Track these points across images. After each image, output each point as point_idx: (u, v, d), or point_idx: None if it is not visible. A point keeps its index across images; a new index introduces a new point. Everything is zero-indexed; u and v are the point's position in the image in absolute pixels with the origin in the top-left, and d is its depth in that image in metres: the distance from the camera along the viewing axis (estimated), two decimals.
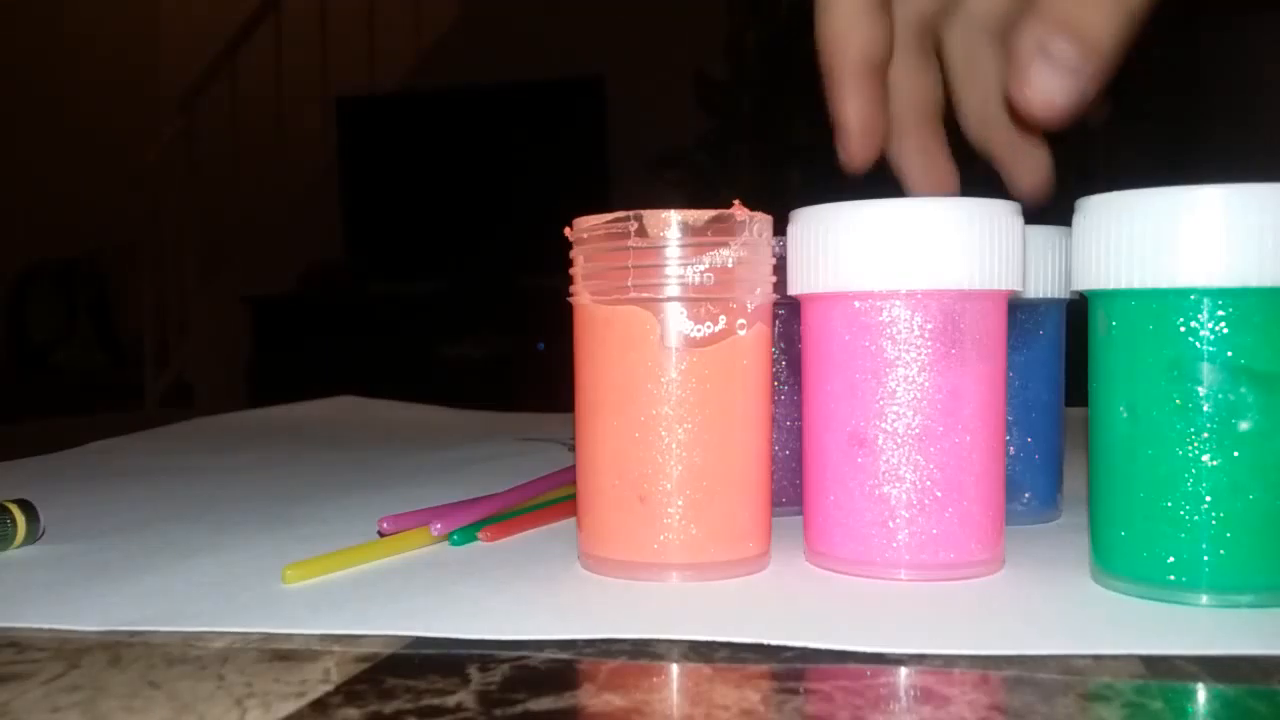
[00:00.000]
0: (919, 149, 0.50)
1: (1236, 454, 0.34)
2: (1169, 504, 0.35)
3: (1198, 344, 0.34)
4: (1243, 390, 0.34)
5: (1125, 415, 0.36)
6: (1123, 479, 0.36)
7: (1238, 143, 1.89)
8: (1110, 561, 0.36)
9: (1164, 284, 0.34)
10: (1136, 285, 0.35)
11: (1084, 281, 0.37)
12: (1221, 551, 0.34)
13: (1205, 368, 0.34)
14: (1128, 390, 0.36)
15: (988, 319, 0.39)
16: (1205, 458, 0.34)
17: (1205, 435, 0.34)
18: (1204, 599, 0.34)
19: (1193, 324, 0.34)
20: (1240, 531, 0.34)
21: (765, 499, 0.40)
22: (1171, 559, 0.35)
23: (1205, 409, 0.34)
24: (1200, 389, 0.34)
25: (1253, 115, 1.80)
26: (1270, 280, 0.33)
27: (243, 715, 0.26)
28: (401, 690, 0.28)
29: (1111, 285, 0.35)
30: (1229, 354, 0.34)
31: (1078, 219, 0.37)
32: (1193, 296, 0.34)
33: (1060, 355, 0.49)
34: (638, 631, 0.32)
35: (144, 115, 3.74)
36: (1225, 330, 0.34)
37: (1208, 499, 0.34)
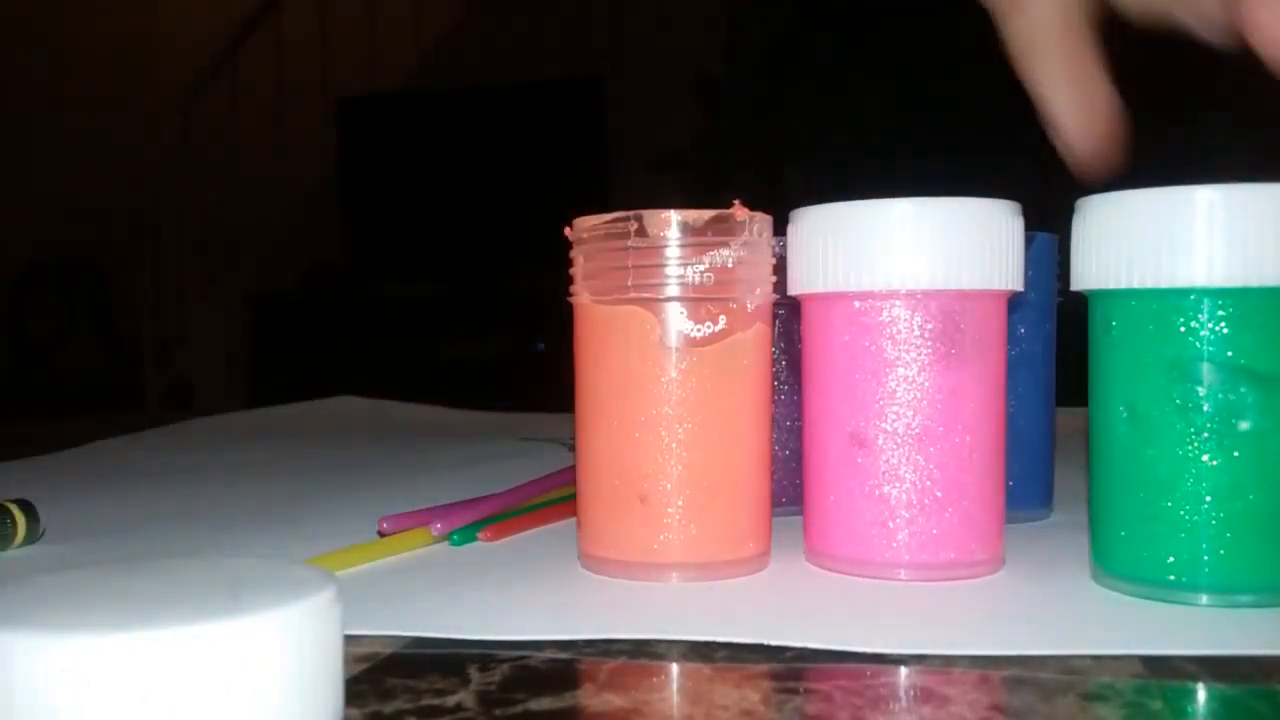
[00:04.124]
0: (1065, 73, 0.41)
1: (1236, 454, 0.34)
2: (1169, 504, 0.35)
3: (1197, 344, 0.34)
4: (1243, 390, 0.34)
5: (1125, 415, 0.36)
6: (1122, 479, 0.36)
7: (1238, 143, 1.89)
8: (1110, 562, 0.36)
9: (1164, 284, 0.34)
10: (1136, 285, 0.35)
11: (1084, 281, 0.37)
12: (1221, 551, 0.34)
13: (1205, 368, 0.34)
14: (1128, 390, 0.36)
15: (988, 319, 0.39)
16: (1205, 457, 0.34)
17: (1205, 435, 0.34)
18: (1204, 599, 0.34)
19: (1192, 324, 0.34)
20: (1240, 531, 0.34)
21: (765, 499, 0.40)
22: (1171, 559, 0.35)
23: (1205, 409, 0.34)
24: (1200, 389, 0.34)
25: (1252, 115, 1.80)
26: (1271, 280, 0.33)
27: None
28: (401, 690, 0.28)
29: (1111, 285, 0.36)
30: (1229, 354, 0.34)
31: (1078, 219, 0.37)
32: (1193, 296, 0.34)
33: (1050, 350, 0.49)
34: (638, 631, 0.32)
35: (144, 115, 3.74)
36: (1225, 330, 0.34)
37: (1208, 499, 0.34)
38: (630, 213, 0.38)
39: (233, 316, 3.40)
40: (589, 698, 0.27)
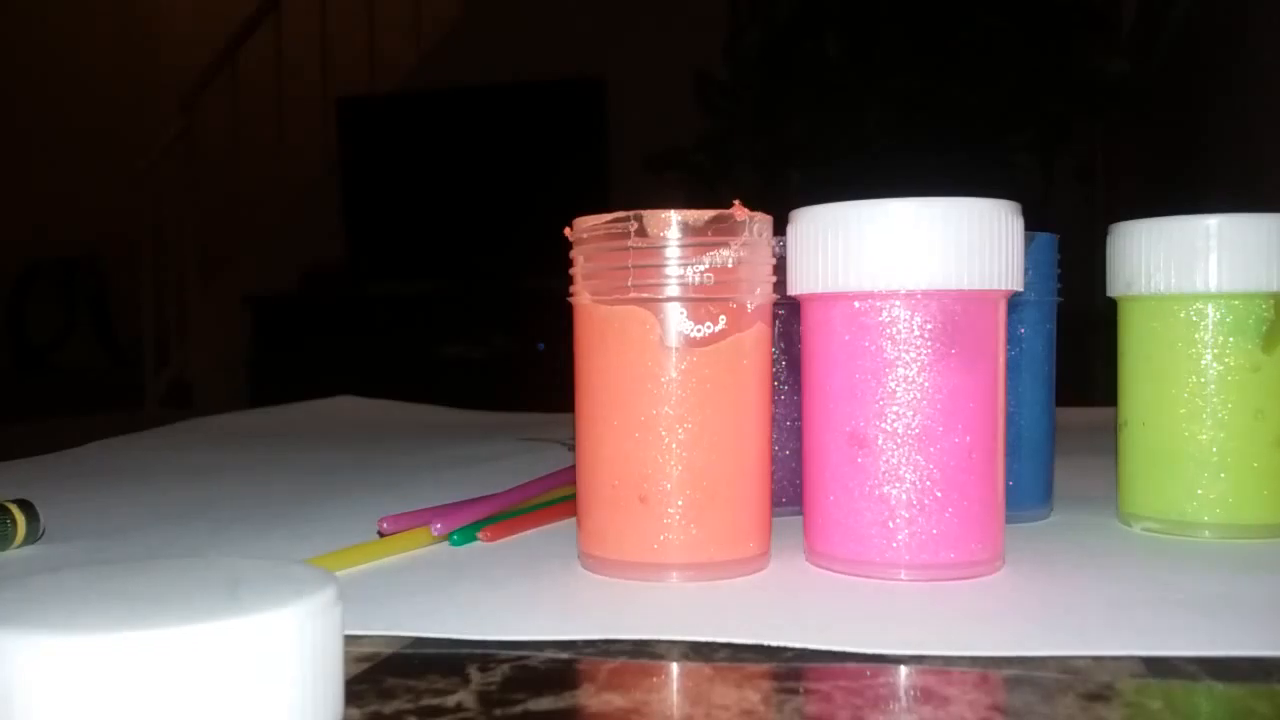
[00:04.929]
0: None
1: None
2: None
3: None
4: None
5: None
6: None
7: (1237, 142, 1.89)
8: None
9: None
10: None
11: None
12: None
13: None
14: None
15: (988, 319, 0.39)
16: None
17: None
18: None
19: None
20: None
21: (765, 499, 0.40)
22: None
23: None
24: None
25: (1251, 113, 1.80)
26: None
27: None
28: (401, 690, 0.28)
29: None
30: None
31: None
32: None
33: (1050, 350, 0.49)
34: (638, 631, 0.32)
35: (144, 115, 3.74)
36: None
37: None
38: (630, 213, 0.38)
39: (232, 316, 3.39)
40: (589, 698, 0.27)
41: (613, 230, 0.39)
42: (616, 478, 0.39)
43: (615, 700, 0.27)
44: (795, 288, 0.41)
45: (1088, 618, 0.33)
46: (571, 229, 0.41)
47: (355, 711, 0.26)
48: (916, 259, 0.37)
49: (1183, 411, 0.45)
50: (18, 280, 3.86)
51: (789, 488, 0.49)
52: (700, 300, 0.38)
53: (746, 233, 0.39)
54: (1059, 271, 0.49)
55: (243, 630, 0.21)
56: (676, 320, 0.38)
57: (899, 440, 0.38)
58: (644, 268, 0.38)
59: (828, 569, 0.40)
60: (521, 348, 2.92)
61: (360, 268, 3.39)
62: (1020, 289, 0.39)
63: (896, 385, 0.38)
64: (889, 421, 0.38)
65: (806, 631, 0.32)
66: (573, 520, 0.44)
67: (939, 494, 0.38)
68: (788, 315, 0.48)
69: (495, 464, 0.68)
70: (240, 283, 3.43)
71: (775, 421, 0.47)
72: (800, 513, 0.43)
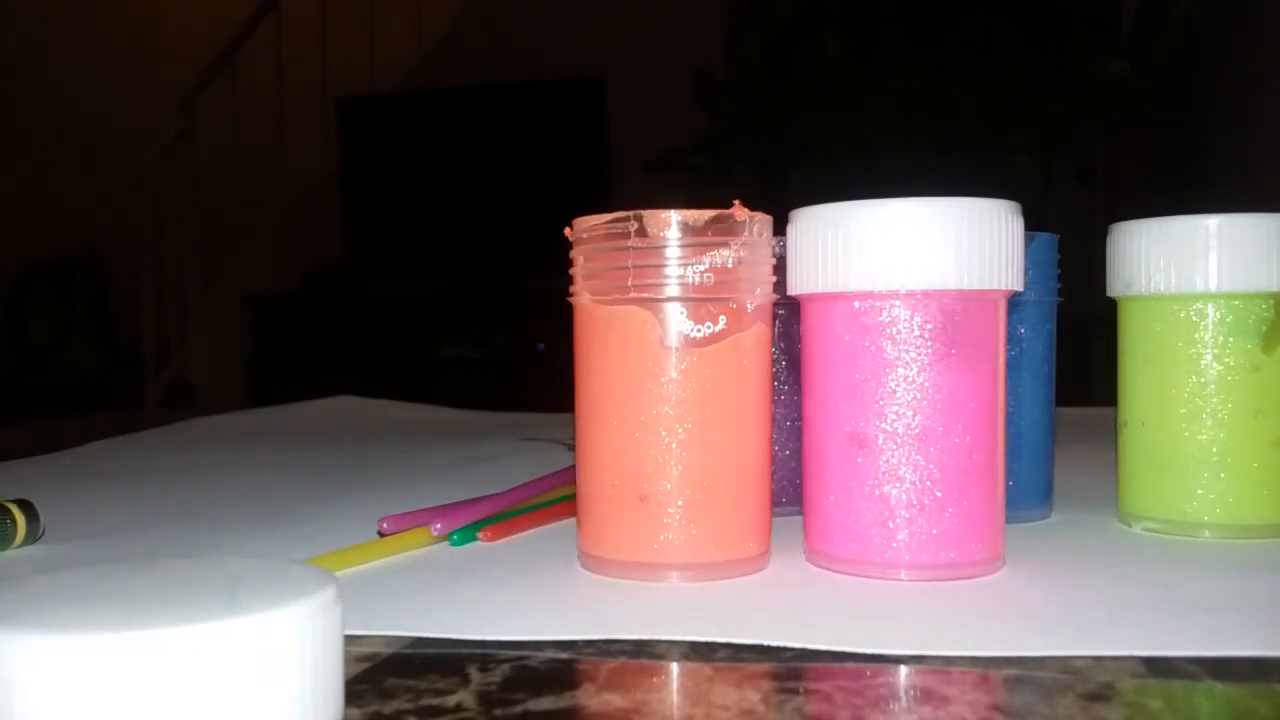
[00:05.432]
0: None
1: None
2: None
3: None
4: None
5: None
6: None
7: (1237, 142, 1.89)
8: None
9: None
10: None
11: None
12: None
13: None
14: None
15: (988, 319, 0.39)
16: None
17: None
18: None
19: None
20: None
21: (765, 499, 0.40)
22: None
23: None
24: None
25: (1251, 113, 1.80)
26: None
27: None
28: (401, 690, 0.28)
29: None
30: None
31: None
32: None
33: (1050, 350, 0.49)
34: (638, 631, 0.32)
35: (144, 115, 3.74)
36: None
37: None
38: (630, 213, 0.38)
39: (232, 316, 3.39)
40: (589, 698, 0.27)
41: (613, 230, 0.39)
42: (616, 477, 0.39)
43: (615, 700, 0.27)
44: (795, 288, 0.41)
45: (1088, 618, 0.33)
46: (571, 229, 0.41)
47: (355, 711, 0.26)
48: (916, 259, 0.37)
49: (1183, 411, 0.45)
50: (18, 280, 3.85)
51: (789, 488, 0.49)
52: (700, 300, 0.38)
53: (746, 233, 0.39)
54: (1059, 271, 0.49)
55: (243, 630, 0.21)
56: (676, 320, 0.38)
57: (899, 440, 0.38)
58: (644, 268, 0.38)
59: (828, 569, 0.40)
60: (521, 348, 2.92)
61: (360, 268, 3.39)
62: (1020, 289, 0.39)
63: (896, 385, 0.38)
64: (889, 421, 0.38)
65: (806, 631, 0.32)
66: (573, 520, 0.44)
67: (939, 494, 0.38)
68: (788, 315, 0.48)
69: (495, 464, 0.68)
70: (240, 283, 3.43)
71: (775, 421, 0.47)
72: (800, 513, 0.43)
